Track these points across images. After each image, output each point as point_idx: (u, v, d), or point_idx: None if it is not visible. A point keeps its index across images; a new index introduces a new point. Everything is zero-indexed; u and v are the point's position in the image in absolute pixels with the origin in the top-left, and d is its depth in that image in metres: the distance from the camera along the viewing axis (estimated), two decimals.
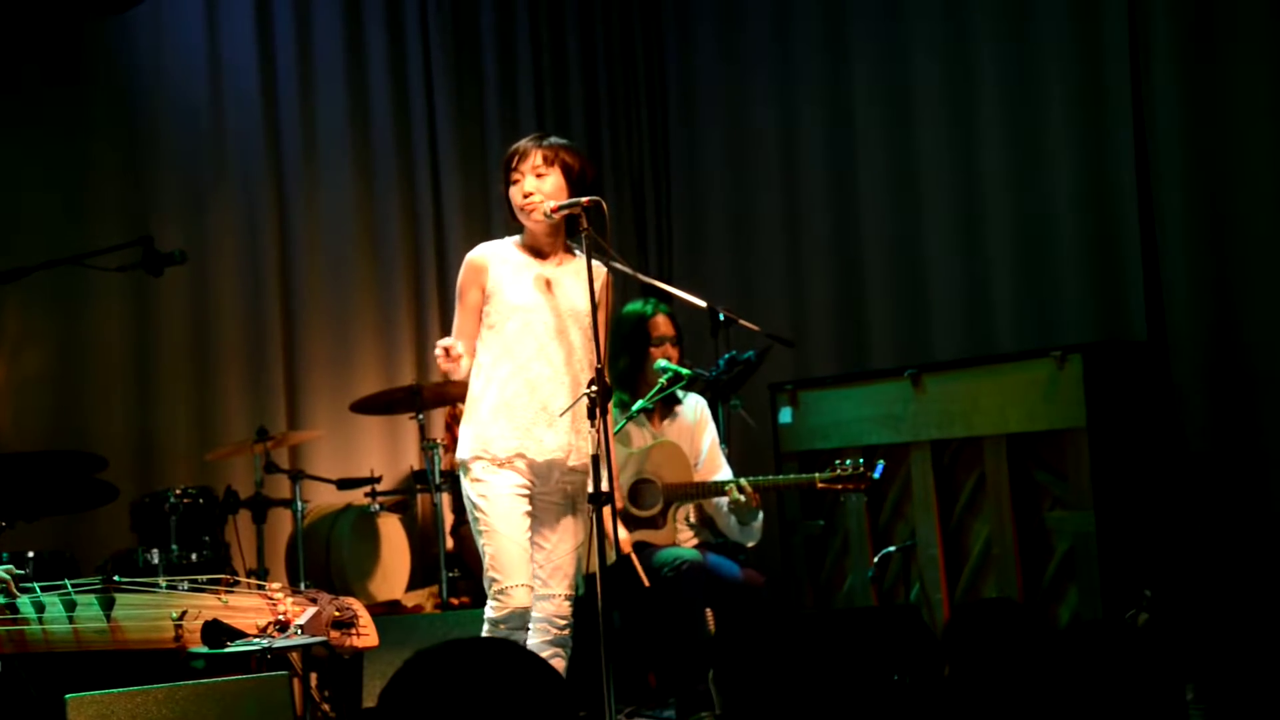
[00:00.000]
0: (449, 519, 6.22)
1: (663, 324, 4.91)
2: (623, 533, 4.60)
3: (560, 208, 3.75)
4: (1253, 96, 5.00)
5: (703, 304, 4.99)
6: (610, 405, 3.69)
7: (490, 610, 3.71)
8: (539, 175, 3.78)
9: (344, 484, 6.05)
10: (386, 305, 6.73)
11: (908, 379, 5.27)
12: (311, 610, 3.76)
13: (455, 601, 5.79)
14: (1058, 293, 5.59)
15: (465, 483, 3.79)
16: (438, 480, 5.93)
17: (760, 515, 4.79)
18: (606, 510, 3.54)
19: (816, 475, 4.64)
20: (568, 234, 3.89)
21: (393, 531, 6.17)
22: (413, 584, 6.21)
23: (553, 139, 3.85)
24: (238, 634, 3.57)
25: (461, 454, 3.79)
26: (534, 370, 3.76)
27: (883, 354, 6.20)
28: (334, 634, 3.78)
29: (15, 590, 3.47)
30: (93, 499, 5.23)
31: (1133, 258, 5.32)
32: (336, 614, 3.80)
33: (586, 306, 3.81)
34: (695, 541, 4.90)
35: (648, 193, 7.42)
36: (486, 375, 3.79)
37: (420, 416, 6.01)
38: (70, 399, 5.89)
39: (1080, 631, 2.69)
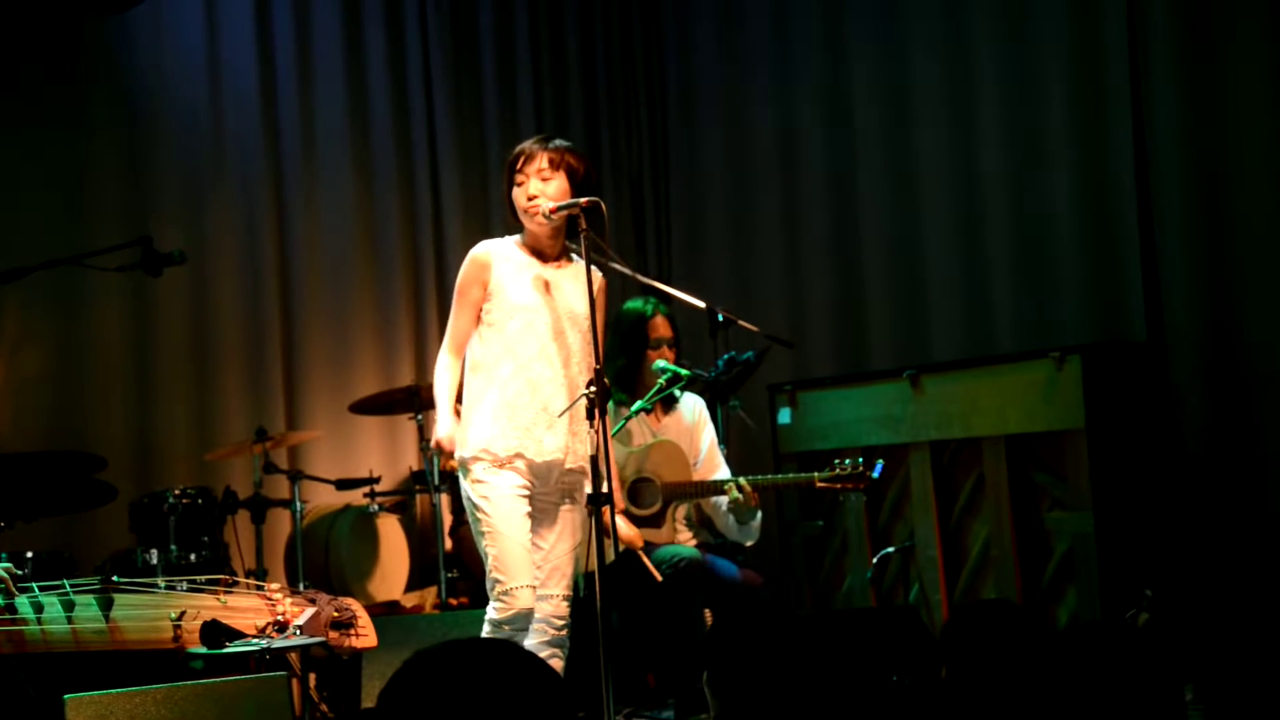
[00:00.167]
0: (448, 520, 6.22)
1: (661, 325, 4.91)
2: (631, 529, 4.62)
3: (559, 208, 3.75)
4: (1252, 96, 5.00)
5: (702, 304, 4.99)
6: (608, 405, 3.70)
7: (493, 612, 3.71)
8: (544, 178, 3.78)
9: (343, 484, 6.05)
10: (385, 306, 6.73)
11: (907, 380, 5.27)
12: (310, 611, 3.76)
13: (454, 602, 5.79)
14: (1057, 293, 5.59)
15: (465, 483, 3.78)
16: (436, 481, 5.93)
17: (759, 515, 4.79)
18: (605, 511, 3.54)
19: (816, 475, 4.64)
20: (567, 235, 3.89)
21: (391, 532, 6.17)
22: (411, 585, 6.21)
23: (558, 142, 3.85)
24: (236, 634, 3.57)
25: (461, 453, 3.78)
26: (536, 370, 3.76)
27: (882, 355, 6.20)
28: (333, 634, 3.78)
29: (14, 590, 3.47)
30: (91, 499, 5.23)
31: (1132, 258, 5.32)
32: (335, 614, 3.80)
33: (583, 310, 3.81)
34: (694, 541, 4.90)
35: (647, 193, 7.42)
36: (487, 374, 3.79)
37: (419, 417, 6.01)
38: (69, 399, 5.89)
39: (1079, 632, 2.69)
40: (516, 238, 3.89)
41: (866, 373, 5.90)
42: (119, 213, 6.03)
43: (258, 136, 6.43)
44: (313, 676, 4.44)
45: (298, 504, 5.79)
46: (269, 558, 5.92)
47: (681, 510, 4.89)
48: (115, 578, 3.68)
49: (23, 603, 3.48)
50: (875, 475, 4.58)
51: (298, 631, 3.68)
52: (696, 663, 4.57)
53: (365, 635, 3.85)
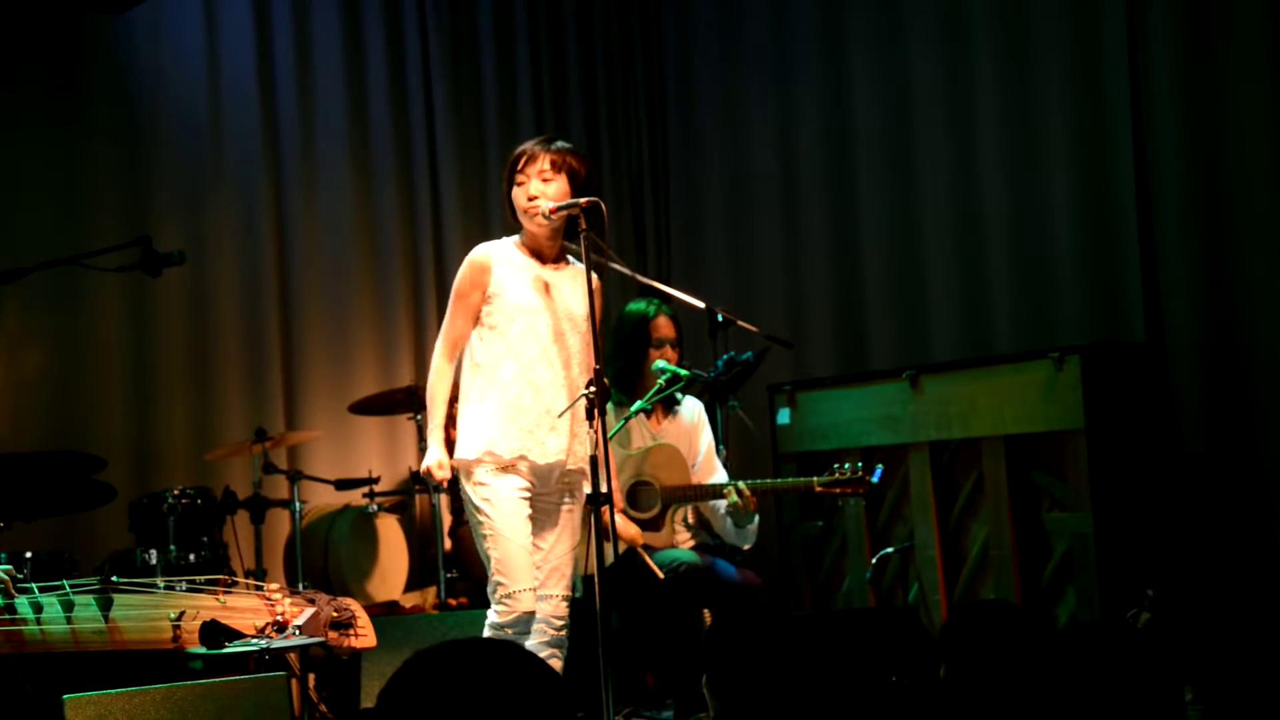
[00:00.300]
0: (447, 520, 6.22)
1: (664, 325, 4.90)
2: (632, 528, 4.62)
3: (559, 209, 3.75)
4: (1251, 96, 5.00)
5: (701, 305, 4.99)
6: (607, 406, 3.69)
7: (495, 615, 3.71)
8: (545, 180, 3.78)
9: (342, 485, 6.05)
10: (385, 306, 6.73)
11: (906, 380, 5.27)
12: (309, 611, 3.76)
13: (453, 602, 5.79)
14: (1056, 294, 5.59)
15: (467, 486, 3.78)
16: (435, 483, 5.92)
17: (756, 518, 4.79)
18: (605, 511, 3.54)
19: (815, 479, 4.63)
20: (568, 236, 3.89)
21: (391, 532, 6.17)
22: (411, 585, 6.21)
23: (560, 143, 3.84)
24: (236, 634, 3.57)
25: (463, 455, 3.78)
26: (538, 372, 3.76)
27: (881, 355, 6.20)
28: (332, 635, 3.78)
29: (13, 591, 3.47)
30: (91, 499, 5.23)
31: (1131, 259, 5.32)
32: (334, 615, 3.80)
33: (583, 311, 3.81)
34: (693, 543, 4.90)
35: (646, 193, 7.42)
36: (488, 376, 3.78)
37: (418, 417, 6.01)
38: (68, 399, 5.89)
39: (1078, 633, 2.69)
40: (515, 239, 3.89)
41: (866, 373, 5.90)
42: (118, 212, 6.02)
43: (257, 136, 6.43)
44: (312, 677, 4.44)
45: (297, 504, 5.79)
46: (268, 558, 5.92)
47: (680, 513, 4.89)
48: (114, 578, 3.68)
49: (22, 603, 3.48)
50: (875, 480, 4.58)
51: (297, 632, 3.68)
52: (696, 664, 4.57)
53: (364, 635, 3.85)
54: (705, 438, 4.98)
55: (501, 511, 3.71)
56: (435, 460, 3.80)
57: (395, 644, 4.52)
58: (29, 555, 4.69)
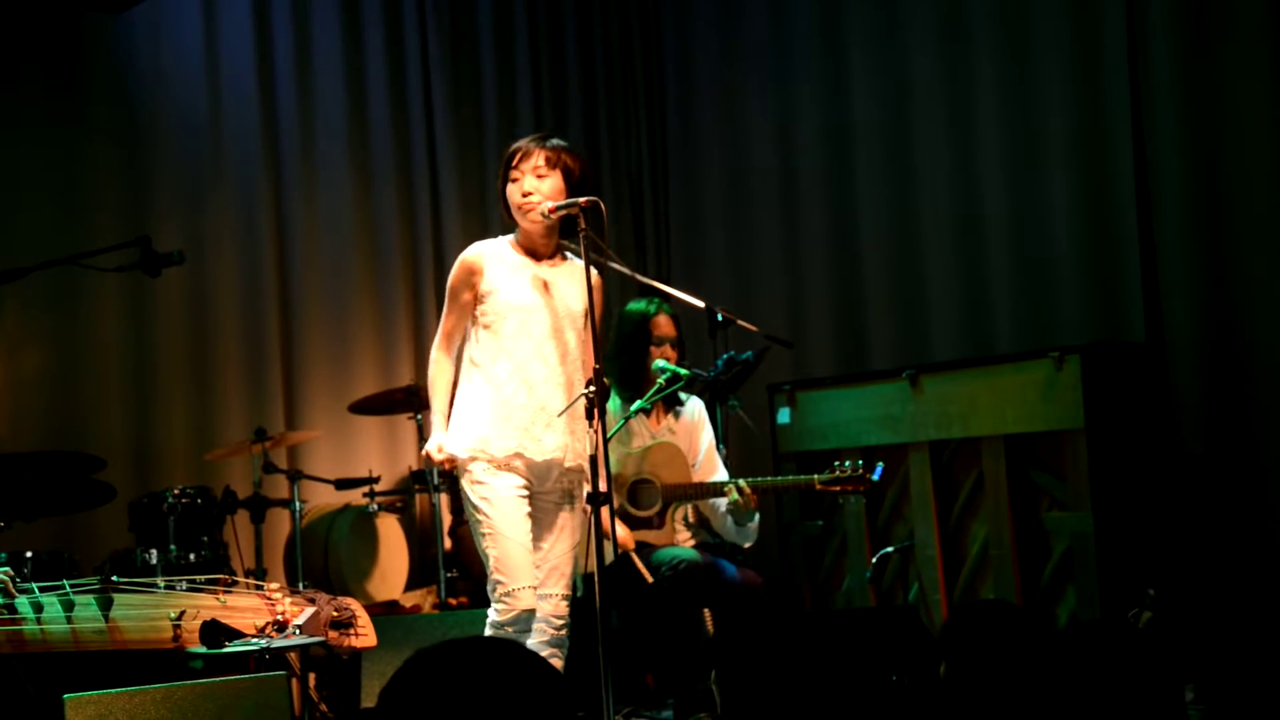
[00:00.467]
0: (447, 519, 6.22)
1: (664, 324, 4.91)
2: (622, 530, 4.62)
3: (558, 208, 3.75)
4: (1251, 96, 5.00)
5: (701, 304, 4.99)
6: (607, 405, 3.69)
7: (495, 614, 3.71)
8: (539, 176, 3.78)
9: (342, 484, 6.05)
10: (385, 306, 6.73)
11: (906, 380, 5.27)
12: (310, 610, 3.76)
13: (453, 602, 5.79)
14: (1056, 294, 5.59)
15: (465, 484, 3.78)
16: (436, 481, 5.93)
17: (756, 517, 4.79)
18: (605, 510, 3.54)
19: (816, 477, 4.63)
20: (565, 234, 3.89)
21: (391, 532, 6.17)
22: (411, 584, 6.21)
23: (555, 140, 3.84)
24: (236, 634, 3.57)
25: (459, 454, 3.77)
26: (532, 370, 3.76)
27: (881, 355, 6.21)
28: (332, 634, 3.78)
29: (13, 590, 3.47)
30: (91, 499, 5.23)
31: (1131, 259, 5.33)
32: (335, 614, 3.80)
33: (581, 308, 3.81)
34: (693, 542, 4.90)
35: (646, 193, 7.42)
36: (483, 374, 3.78)
37: (418, 417, 6.01)
38: (68, 399, 5.88)
39: (1078, 632, 2.69)
40: (510, 237, 3.89)
41: (866, 373, 5.90)
42: (118, 212, 6.02)
43: (257, 136, 6.42)
44: (312, 676, 4.45)
45: (297, 504, 5.79)
46: (268, 557, 5.92)
47: (680, 511, 4.89)
48: (115, 577, 3.68)
49: (22, 603, 3.48)
50: (875, 478, 4.58)
51: (297, 631, 3.68)
52: (697, 663, 4.57)
53: (364, 635, 3.85)
54: (706, 436, 4.98)
55: (500, 510, 3.71)
56: (436, 444, 3.80)
57: (395, 643, 4.52)
58: (29, 555, 4.69)
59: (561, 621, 3.81)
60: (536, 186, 3.77)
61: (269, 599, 3.81)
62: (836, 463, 4.65)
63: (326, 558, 5.95)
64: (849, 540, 5.48)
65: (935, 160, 6.07)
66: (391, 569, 6.13)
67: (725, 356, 5.06)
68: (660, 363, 4.77)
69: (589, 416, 3.57)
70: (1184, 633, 4.62)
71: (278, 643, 3.58)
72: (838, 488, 4.61)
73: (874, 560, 5.33)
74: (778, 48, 6.73)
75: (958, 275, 5.98)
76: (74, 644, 3.52)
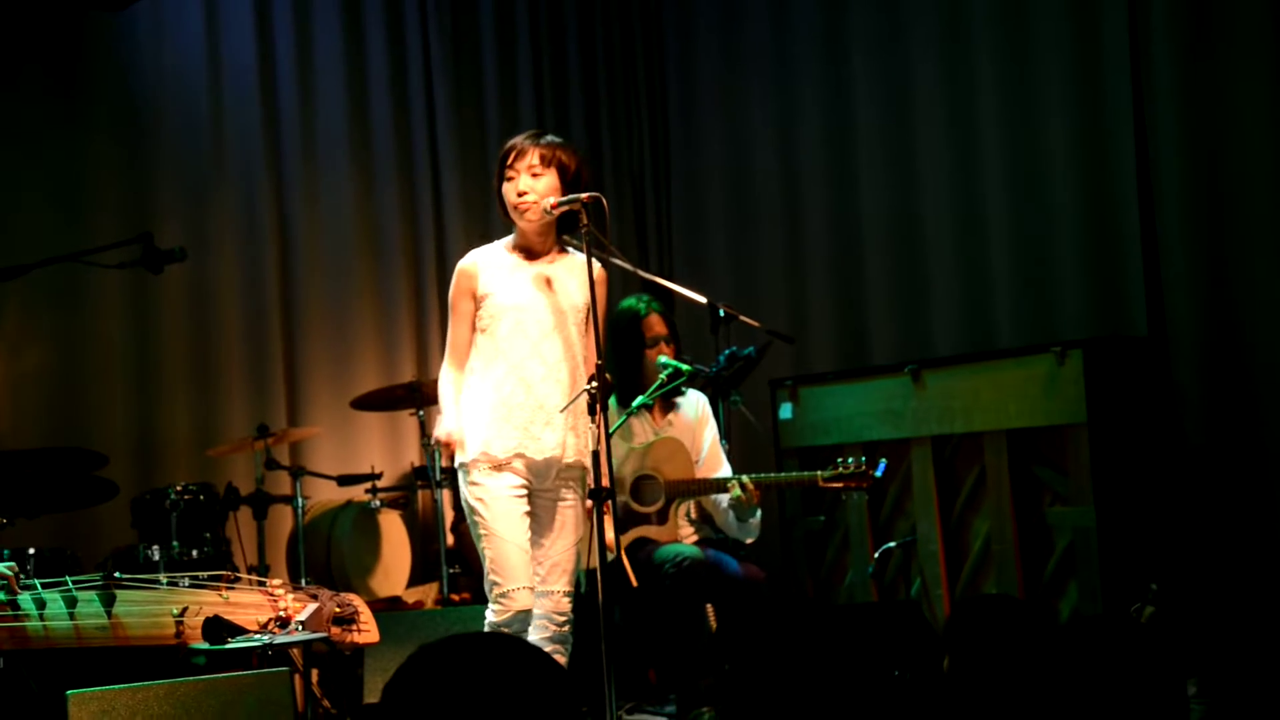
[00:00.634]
0: (449, 515, 6.22)
1: (656, 323, 4.89)
2: (611, 533, 4.61)
3: (561, 204, 3.74)
4: (1252, 95, 5.00)
5: (703, 300, 4.99)
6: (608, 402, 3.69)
7: (491, 614, 3.71)
8: (534, 175, 3.77)
9: (344, 480, 6.05)
10: (386, 302, 6.73)
11: (908, 375, 5.27)
12: (312, 606, 3.76)
13: (456, 598, 5.80)
14: (1058, 288, 5.59)
15: (463, 486, 3.78)
16: (438, 477, 5.93)
17: (759, 513, 4.79)
18: (607, 506, 3.54)
19: (819, 474, 4.63)
20: (566, 231, 3.88)
21: (393, 528, 6.17)
22: (413, 580, 6.22)
23: (550, 138, 3.83)
24: (239, 630, 3.57)
25: (460, 457, 3.78)
26: (529, 369, 3.75)
27: (883, 350, 6.20)
28: (335, 630, 3.79)
29: (16, 587, 3.47)
30: (93, 496, 5.23)
31: (1133, 253, 5.32)
32: (337, 610, 3.80)
33: (580, 302, 3.80)
34: (696, 538, 4.90)
35: (648, 191, 7.42)
36: (480, 377, 3.78)
37: (421, 413, 6.02)
38: (71, 396, 5.89)
39: (1081, 627, 2.69)
40: (505, 241, 3.88)
41: (868, 368, 5.90)
42: (120, 210, 6.03)
43: (258, 134, 6.43)
44: (315, 672, 4.45)
45: (299, 500, 5.80)
46: (271, 554, 5.93)
47: (683, 507, 4.89)
48: (117, 574, 3.68)
49: (25, 599, 3.48)
50: (878, 474, 4.58)
51: (300, 627, 3.68)
52: (699, 659, 4.57)
53: (367, 631, 3.85)
54: (709, 432, 4.98)
55: (495, 510, 3.71)
56: (445, 430, 3.80)
57: (398, 639, 4.52)
58: (32, 552, 4.69)
59: (564, 618, 3.81)
60: (531, 186, 3.76)
61: (271, 595, 3.81)
62: (839, 459, 4.65)
63: (329, 554, 5.95)
64: (851, 535, 5.48)
65: (937, 157, 6.07)
66: (394, 565, 6.14)
67: (727, 352, 5.06)
68: (663, 359, 4.77)
69: (591, 413, 3.57)
70: (1186, 627, 4.62)
71: (280, 639, 3.58)
72: (841, 484, 4.61)
73: (876, 555, 5.33)
74: (779, 48, 6.73)
75: (959, 270, 5.97)
76: (77, 640, 3.52)
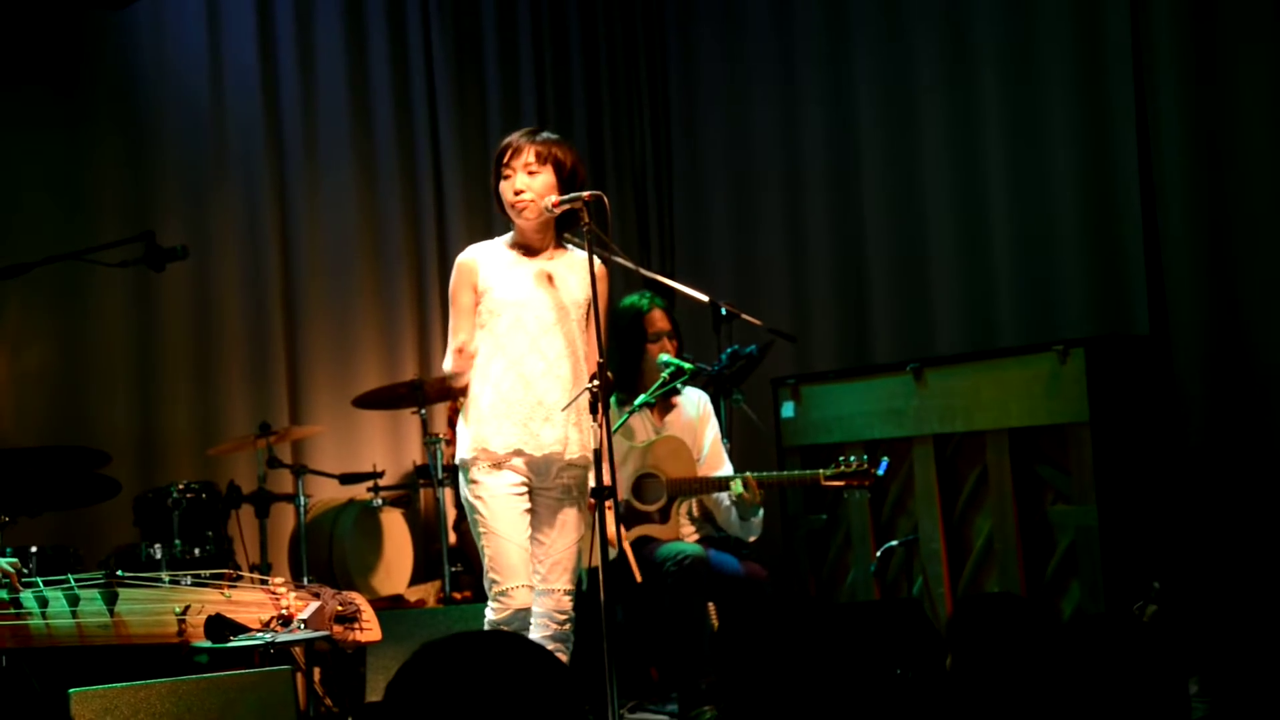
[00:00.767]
0: (451, 514, 6.22)
1: (659, 319, 4.90)
2: (611, 530, 4.61)
3: (562, 202, 3.74)
4: (1255, 90, 4.99)
5: (705, 298, 4.99)
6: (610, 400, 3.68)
7: (490, 613, 3.71)
8: (531, 173, 3.75)
9: (346, 479, 6.05)
10: (388, 300, 6.73)
11: (910, 373, 5.27)
12: (314, 605, 3.76)
13: (458, 596, 5.80)
14: (1060, 287, 5.58)
15: (463, 484, 3.78)
16: (440, 475, 5.93)
17: (761, 511, 4.79)
18: (609, 504, 3.54)
19: (821, 472, 4.63)
20: (567, 228, 3.87)
21: (395, 526, 6.17)
22: (415, 579, 6.22)
23: (545, 134, 3.82)
24: (241, 628, 3.57)
25: (460, 454, 3.78)
26: (528, 365, 3.74)
27: (885, 348, 6.20)
28: (337, 628, 3.78)
29: (18, 585, 3.47)
30: (95, 494, 5.23)
31: (1135, 252, 5.32)
32: (339, 608, 3.80)
33: (580, 298, 3.80)
34: (697, 536, 4.90)
35: (650, 190, 7.42)
36: (481, 373, 3.77)
37: (423, 411, 6.01)
38: (72, 394, 5.89)
39: (1083, 626, 2.69)
40: (505, 237, 3.88)
41: (870, 366, 5.90)
42: (121, 208, 6.03)
43: (260, 132, 6.42)
44: (317, 670, 4.45)
45: (301, 498, 5.80)
46: (273, 552, 5.93)
47: (684, 506, 4.89)
48: (119, 572, 3.68)
49: (27, 597, 3.48)
50: (880, 473, 4.58)
51: (302, 626, 3.68)
52: (701, 658, 4.57)
53: (369, 629, 3.85)
54: (711, 430, 4.98)
55: (494, 508, 3.70)
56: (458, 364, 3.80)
57: (400, 638, 4.52)
58: (34, 550, 4.69)
59: (565, 616, 3.80)
60: (528, 184, 3.75)
61: (273, 594, 3.80)
62: (841, 458, 4.66)
63: (331, 552, 5.96)
64: (853, 534, 5.47)
65: (939, 156, 6.06)
66: (396, 563, 6.14)
67: (729, 350, 5.06)
68: (665, 356, 4.77)
69: (593, 411, 3.57)
70: (1188, 626, 4.62)
71: (282, 637, 3.58)
72: (843, 483, 4.61)
73: (878, 554, 5.33)
74: (781, 48, 6.73)
75: (961, 269, 5.97)
76: (79, 639, 3.52)
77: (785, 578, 5.64)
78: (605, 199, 3.70)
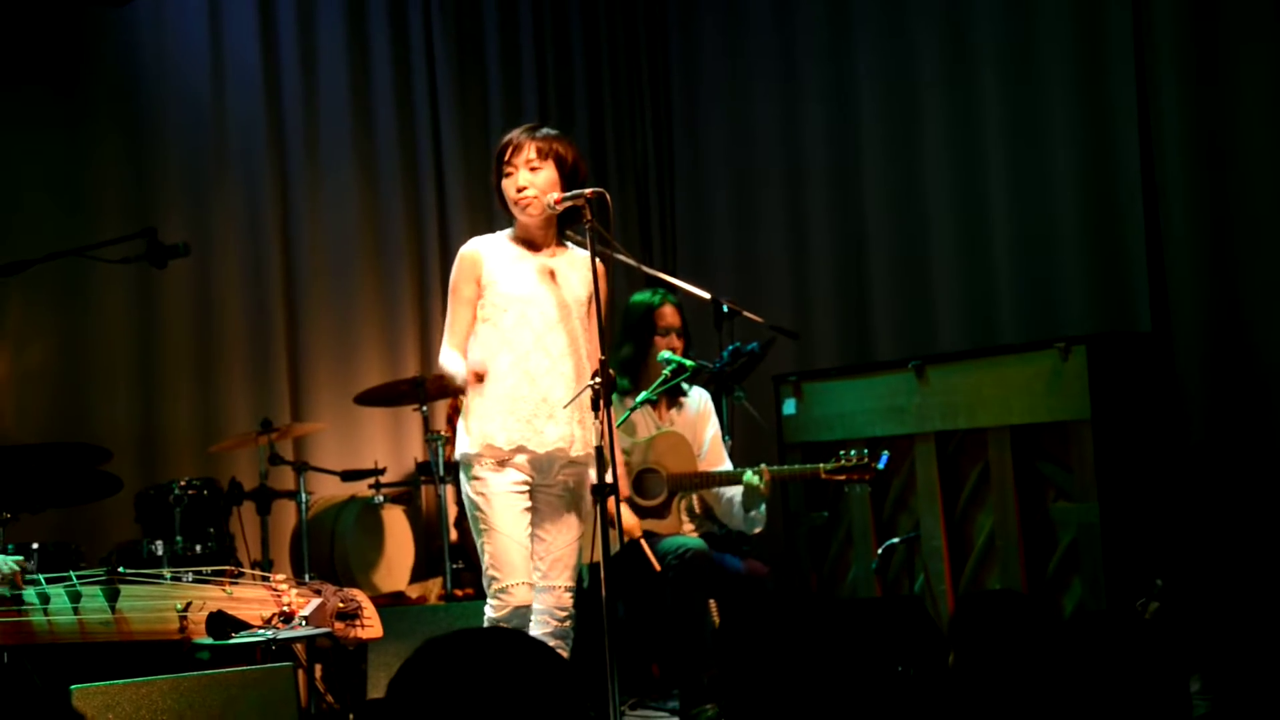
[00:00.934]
0: (453, 511, 6.22)
1: (669, 314, 4.92)
2: (630, 518, 4.62)
3: (565, 199, 3.73)
4: (1257, 90, 4.99)
5: (706, 295, 4.99)
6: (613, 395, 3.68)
7: (490, 610, 3.70)
8: (532, 169, 3.75)
9: (348, 476, 6.05)
10: (390, 298, 6.73)
11: (911, 371, 5.27)
12: (316, 602, 3.76)
13: (459, 593, 5.80)
14: (1062, 284, 5.58)
15: (464, 481, 3.77)
16: (441, 472, 5.93)
17: (763, 506, 4.79)
18: (610, 501, 3.53)
19: (821, 465, 4.64)
20: (569, 225, 3.87)
21: (397, 523, 6.17)
22: (416, 575, 6.22)
23: (546, 130, 3.81)
24: (242, 625, 3.58)
25: (462, 450, 3.77)
26: (533, 361, 3.73)
27: (886, 346, 6.20)
28: (338, 625, 3.79)
29: (21, 582, 3.48)
30: (97, 491, 5.24)
31: (1137, 249, 5.32)
32: (341, 605, 3.81)
33: (583, 296, 3.80)
34: (697, 533, 4.90)
35: (651, 188, 7.42)
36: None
37: (424, 408, 6.01)
38: (74, 391, 5.89)
39: (1085, 623, 2.69)
40: (507, 232, 3.87)
41: (871, 364, 5.90)
42: (123, 205, 6.03)
43: (262, 129, 6.42)
44: (318, 667, 4.45)
45: (303, 495, 5.80)
46: (274, 549, 5.93)
47: (685, 502, 4.89)
48: (121, 569, 3.69)
49: (29, 594, 3.49)
50: (880, 466, 4.59)
51: (303, 622, 3.68)
52: (701, 654, 4.57)
53: (370, 626, 3.86)
54: (711, 427, 4.98)
55: (495, 506, 3.70)
56: (466, 370, 3.71)
57: (401, 635, 4.53)
58: (35, 547, 4.70)
59: (565, 613, 3.80)
60: (530, 180, 3.75)
61: (275, 590, 3.81)
62: (842, 451, 4.66)
63: (332, 549, 5.96)
64: (854, 531, 5.47)
65: (940, 153, 6.06)
66: (397, 560, 6.14)
67: (731, 348, 5.06)
68: (666, 354, 4.77)
69: (595, 408, 3.56)
70: (1190, 623, 4.61)
71: (284, 634, 3.58)
72: (843, 476, 4.62)
73: (879, 551, 5.33)
74: (782, 45, 6.72)
75: (963, 266, 5.97)
76: (81, 635, 3.53)
77: (786, 575, 5.65)
78: (608, 196, 3.70)
